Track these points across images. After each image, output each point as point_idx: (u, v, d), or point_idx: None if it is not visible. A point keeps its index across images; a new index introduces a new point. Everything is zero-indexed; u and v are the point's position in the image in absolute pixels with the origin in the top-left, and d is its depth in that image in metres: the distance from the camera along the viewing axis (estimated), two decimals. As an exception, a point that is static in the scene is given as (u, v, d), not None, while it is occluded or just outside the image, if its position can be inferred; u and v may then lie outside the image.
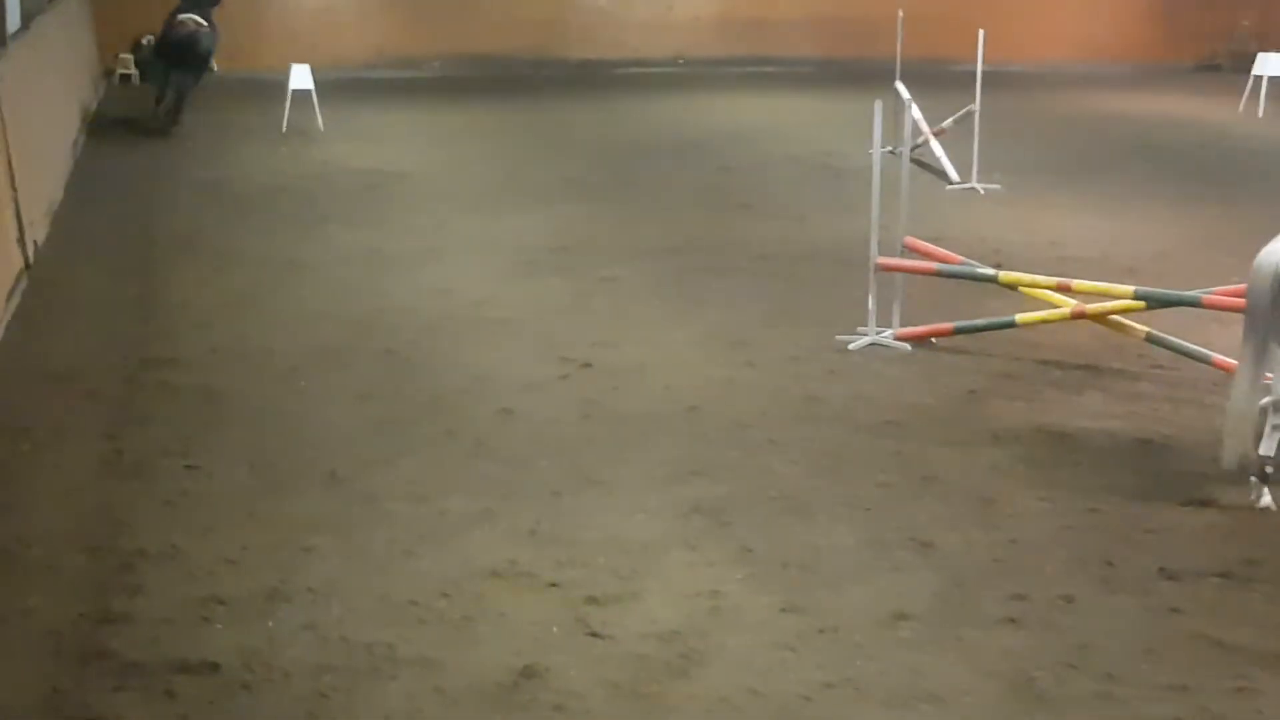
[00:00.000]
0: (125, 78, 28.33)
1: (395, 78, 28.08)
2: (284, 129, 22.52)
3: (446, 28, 28.65)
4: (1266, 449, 8.84)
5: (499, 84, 27.47)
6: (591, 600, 7.49)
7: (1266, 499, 8.82)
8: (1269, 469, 8.84)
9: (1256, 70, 24.54)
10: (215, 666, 6.78)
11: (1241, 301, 11.05)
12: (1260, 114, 23.75)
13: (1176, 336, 11.56)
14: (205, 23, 23.30)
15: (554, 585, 7.66)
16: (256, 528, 8.35)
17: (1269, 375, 8.84)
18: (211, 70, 24.81)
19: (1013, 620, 7.37)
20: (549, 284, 14.01)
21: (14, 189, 13.96)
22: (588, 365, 11.49)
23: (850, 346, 11.99)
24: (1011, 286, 12.13)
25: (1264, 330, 8.73)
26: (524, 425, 10.14)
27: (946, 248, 13.05)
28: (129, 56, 28.47)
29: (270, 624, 7.19)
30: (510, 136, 22.81)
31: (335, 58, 27.56)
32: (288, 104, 22.79)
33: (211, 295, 13.53)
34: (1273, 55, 24.56)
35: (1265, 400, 8.87)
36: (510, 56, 28.76)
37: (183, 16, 23.37)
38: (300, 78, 23.01)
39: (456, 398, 10.68)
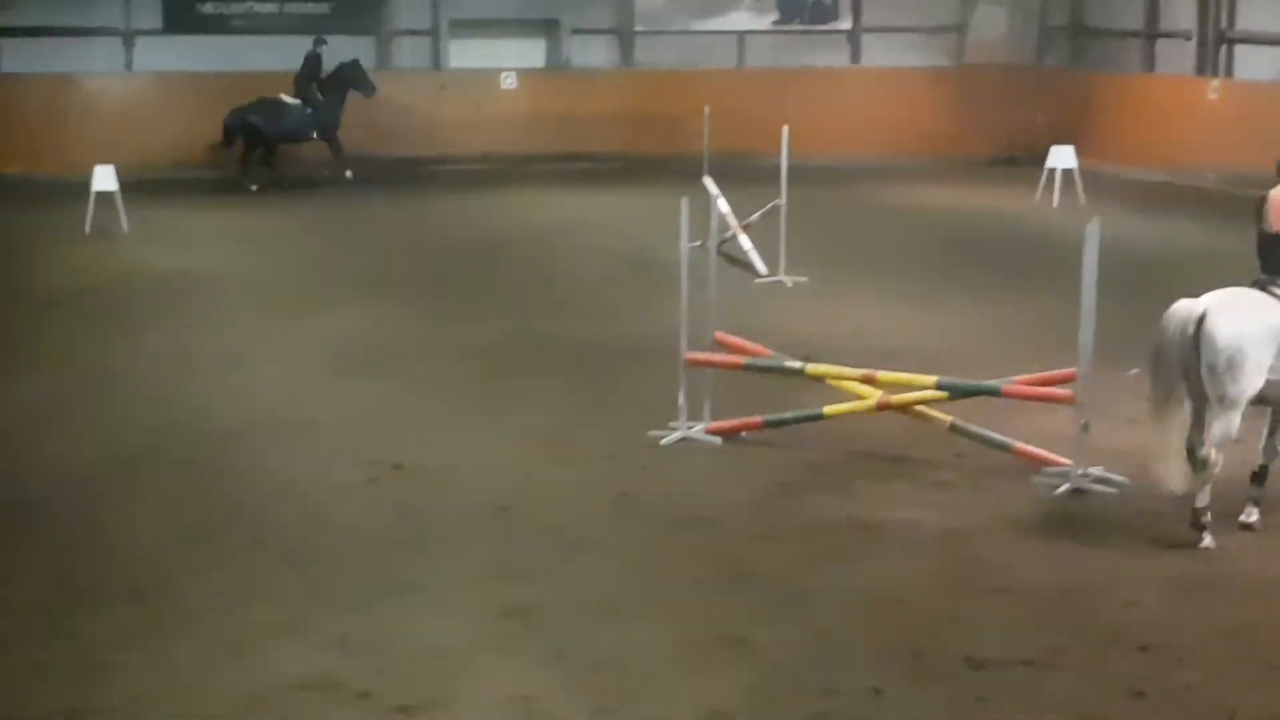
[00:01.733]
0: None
1: (204, 178, 27.78)
2: (88, 231, 22.17)
3: (255, 127, 28.43)
4: (1201, 500, 9.85)
5: (309, 183, 27.30)
6: (402, 709, 7.40)
7: (1208, 541, 9.77)
8: (1206, 519, 9.81)
9: (1050, 163, 25.23)
10: (10, 792, 6.58)
11: (1040, 390, 11.44)
12: (1055, 205, 24.38)
13: (979, 425, 11.76)
14: (299, 101, 27.21)
15: (364, 695, 7.56)
16: (56, 645, 8.13)
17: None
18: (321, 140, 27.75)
19: (824, 715, 7.42)
20: (360, 385, 13.91)
21: None
22: (399, 467, 11.41)
23: (662, 442, 12.04)
24: (819, 379, 12.30)
25: (1170, 376, 9.97)
26: (334, 531, 10.03)
27: (756, 341, 13.17)
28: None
29: (69, 745, 7.01)
30: (321, 236, 22.66)
31: (142, 158, 27.18)
32: (91, 205, 22.46)
33: (9, 404, 13.24)
34: (1065, 148, 25.26)
35: (1204, 452, 9.94)
36: (319, 155, 28.57)
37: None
38: (104, 178, 22.70)
39: (265, 504, 10.54)
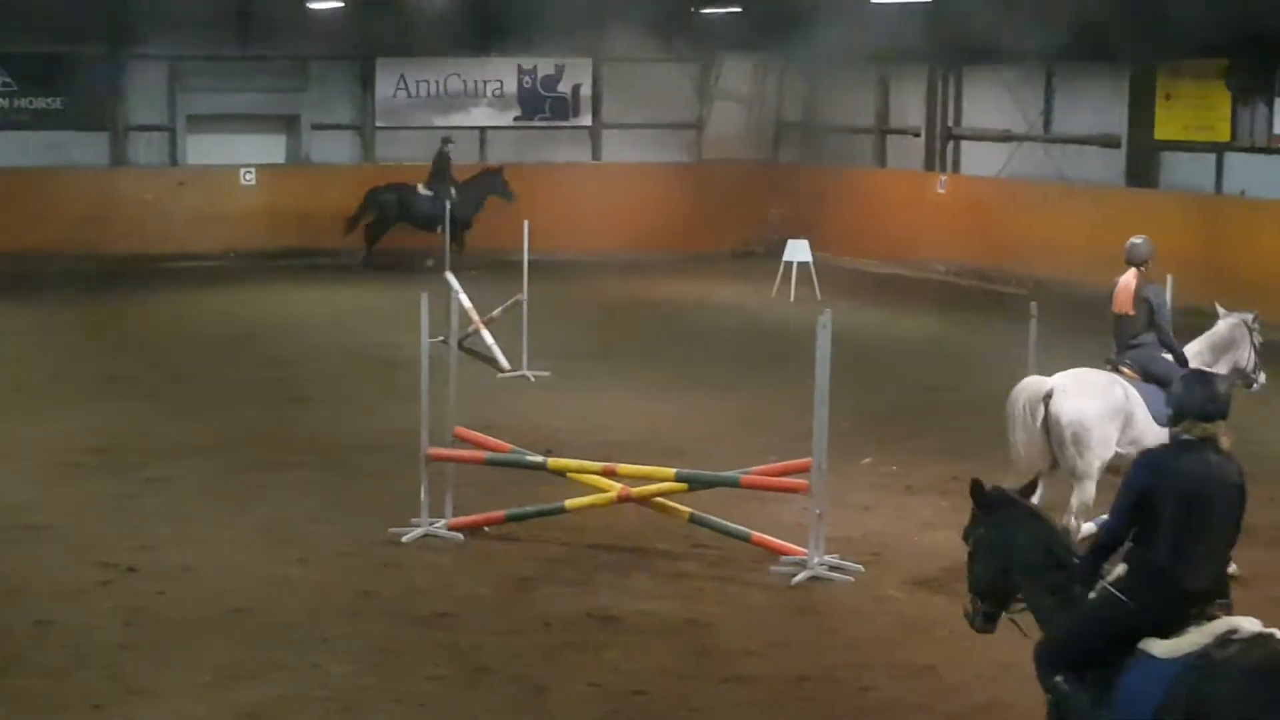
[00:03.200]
0: None
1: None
2: None
3: (-19, 222, 27.73)
4: None
5: (40, 281, 26.59)
6: (133, 818, 7.22)
7: None
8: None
9: (786, 256, 25.74)
10: None
11: (776, 481, 11.67)
12: (792, 298, 24.86)
13: (718, 516, 11.91)
14: (431, 191, 27.90)
15: (93, 805, 7.36)
16: None
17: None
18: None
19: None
20: (92, 486, 13.58)
21: None
22: (132, 570, 11.16)
23: (404, 539, 11.96)
24: (561, 472, 12.36)
25: (1029, 449, 10.85)
26: (62, 636, 9.75)
27: (499, 435, 13.20)
28: None
29: None
30: (53, 335, 22.09)
31: None
32: None
33: None
34: (800, 242, 25.81)
35: (1065, 520, 10.49)
36: (52, 251, 27.93)
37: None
38: None
39: (-10, 610, 10.22)
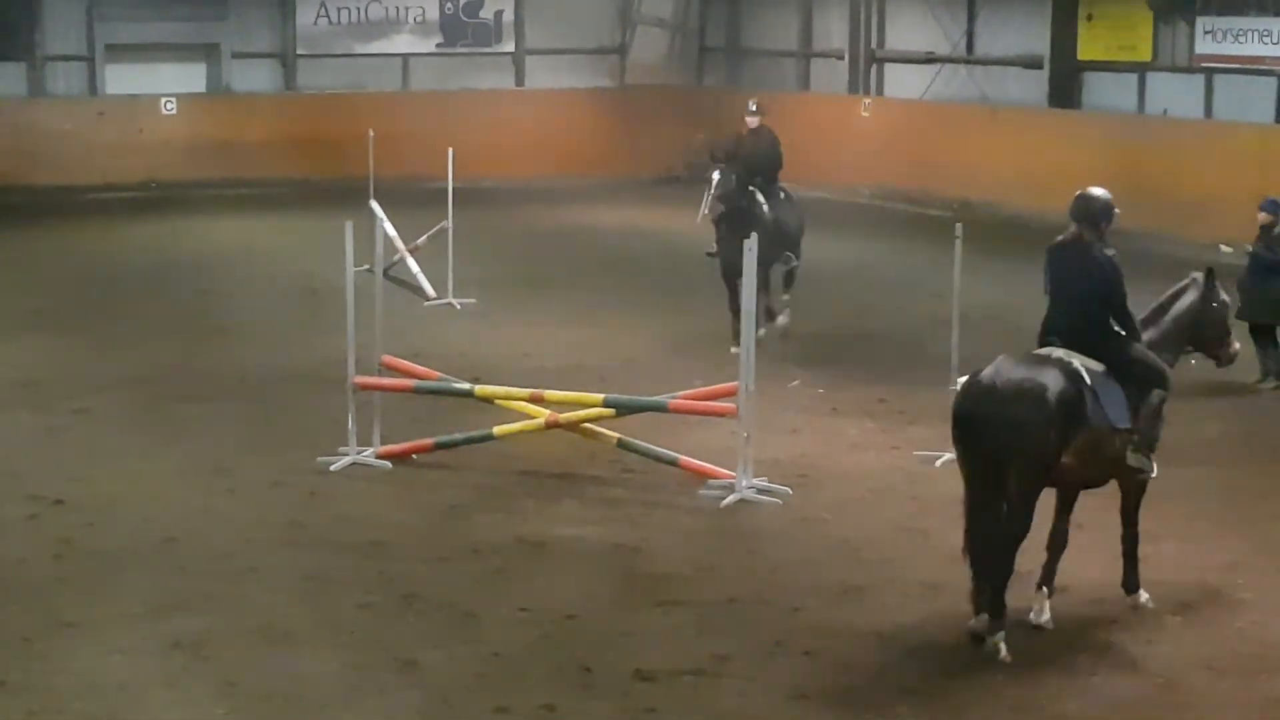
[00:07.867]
0: None
1: None
2: None
3: (-104, 155, 27.35)
4: None
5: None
6: (66, 750, 7.24)
7: None
8: None
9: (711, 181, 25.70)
10: None
11: (704, 405, 11.73)
12: (718, 222, 24.81)
13: (646, 441, 11.96)
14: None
15: (25, 737, 7.37)
16: None
17: None
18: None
19: (497, 733, 7.48)
20: (17, 419, 13.48)
21: None
22: (59, 502, 11.10)
23: (332, 468, 11.96)
24: (488, 400, 12.37)
25: None
26: (-10, 570, 9.73)
27: (426, 364, 13.18)
28: None
29: None
30: (-28, 267, 21.88)
31: None
32: None
33: None
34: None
35: None
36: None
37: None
38: None
39: (-83, 546, 10.17)
